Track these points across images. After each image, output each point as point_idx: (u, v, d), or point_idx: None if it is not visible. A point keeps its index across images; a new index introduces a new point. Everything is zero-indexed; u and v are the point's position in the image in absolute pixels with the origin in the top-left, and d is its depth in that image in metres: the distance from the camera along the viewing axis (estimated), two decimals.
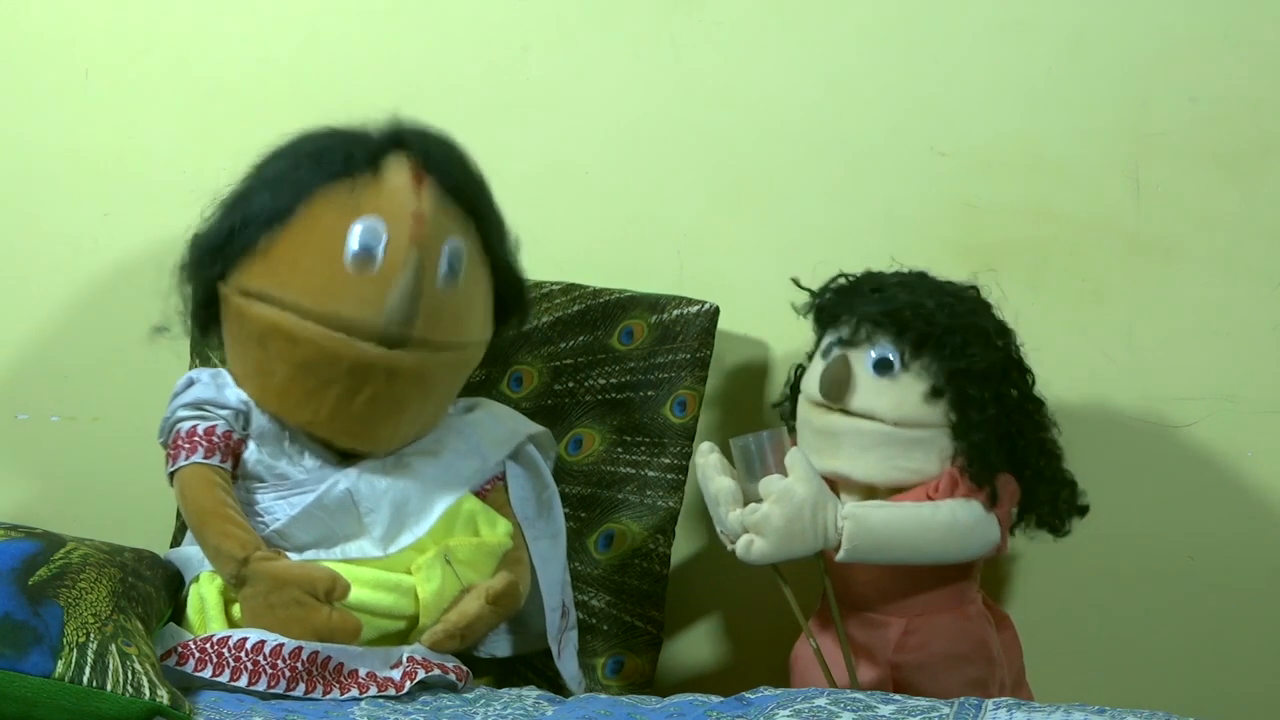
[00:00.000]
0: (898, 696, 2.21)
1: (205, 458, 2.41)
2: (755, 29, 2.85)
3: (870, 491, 2.53)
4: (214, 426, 2.42)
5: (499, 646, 2.54)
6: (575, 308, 2.75)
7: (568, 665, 2.55)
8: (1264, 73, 2.75)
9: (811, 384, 2.58)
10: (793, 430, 2.59)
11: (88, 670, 2.10)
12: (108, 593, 2.21)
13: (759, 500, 2.44)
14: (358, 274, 2.37)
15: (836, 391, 2.52)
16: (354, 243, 2.37)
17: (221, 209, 2.46)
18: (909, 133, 2.82)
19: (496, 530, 2.51)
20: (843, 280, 2.60)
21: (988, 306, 2.57)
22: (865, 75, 2.82)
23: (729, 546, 2.51)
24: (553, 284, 2.77)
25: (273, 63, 2.91)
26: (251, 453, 2.43)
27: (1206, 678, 2.78)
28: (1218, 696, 2.75)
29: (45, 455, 2.96)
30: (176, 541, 2.62)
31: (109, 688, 2.10)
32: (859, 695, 2.20)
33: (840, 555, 2.44)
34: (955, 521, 2.47)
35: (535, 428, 2.61)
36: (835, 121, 2.83)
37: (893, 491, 2.52)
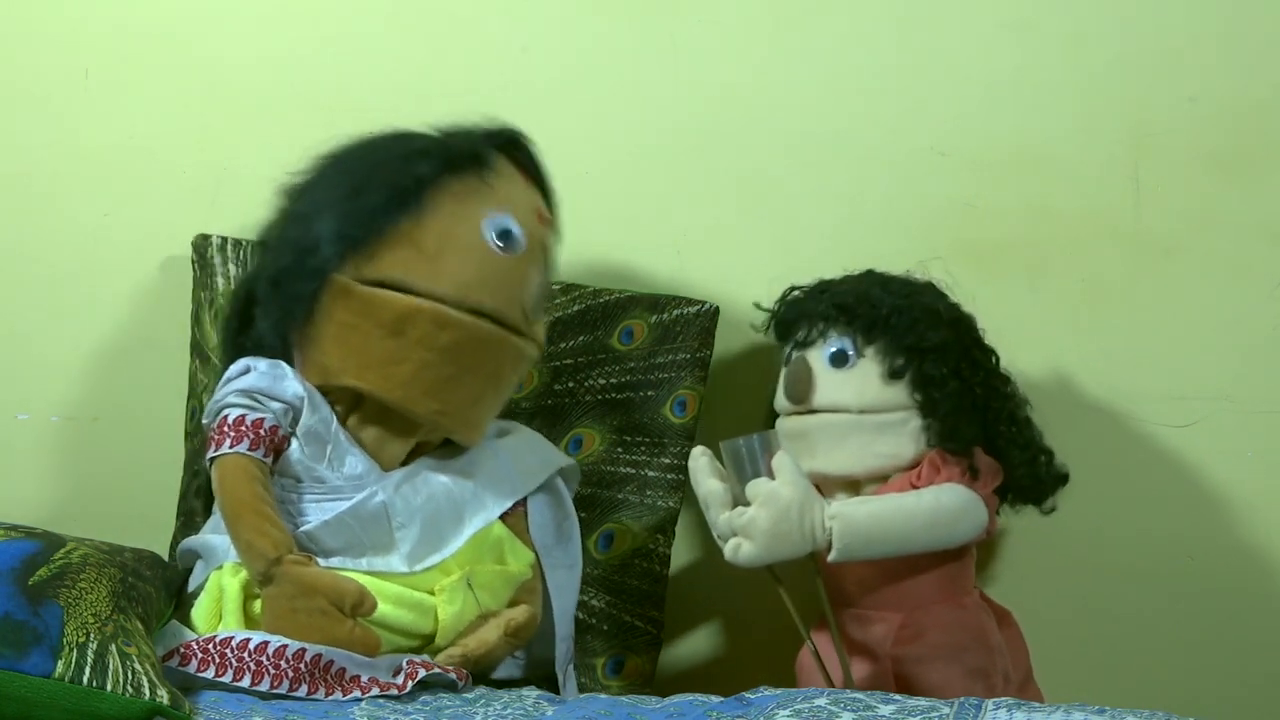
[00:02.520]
0: (898, 696, 2.21)
1: (250, 449, 2.39)
2: (755, 29, 2.85)
3: (853, 485, 2.55)
4: (262, 419, 2.40)
5: (502, 670, 2.52)
6: (575, 308, 2.76)
7: (569, 694, 2.55)
8: (1264, 73, 2.75)
9: (778, 393, 2.60)
10: None
11: (88, 670, 2.10)
12: (108, 593, 2.21)
13: (748, 503, 2.45)
14: (501, 265, 2.42)
15: (799, 392, 2.56)
16: (500, 236, 2.43)
17: (315, 203, 2.43)
18: (909, 133, 2.82)
19: (521, 560, 2.50)
20: (796, 292, 2.64)
21: (939, 292, 2.61)
22: (865, 75, 2.83)
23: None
24: (553, 284, 2.77)
25: (273, 63, 2.91)
26: (294, 451, 2.42)
27: (1206, 678, 2.78)
28: (1218, 696, 2.75)
29: (45, 455, 2.96)
30: (178, 539, 2.62)
31: (109, 688, 2.10)
32: (859, 695, 2.20)
33: (832, 556, 2.45)
34: (940, 507, 2.49)
35: (565, 459, 2.61)
36: (835, 121, 2.83)
37: (874, 482, 2.54)
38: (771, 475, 2.45)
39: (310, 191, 2.46)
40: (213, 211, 2.77)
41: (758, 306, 2.67)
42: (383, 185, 2.41)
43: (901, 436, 2.55)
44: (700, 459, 2.54)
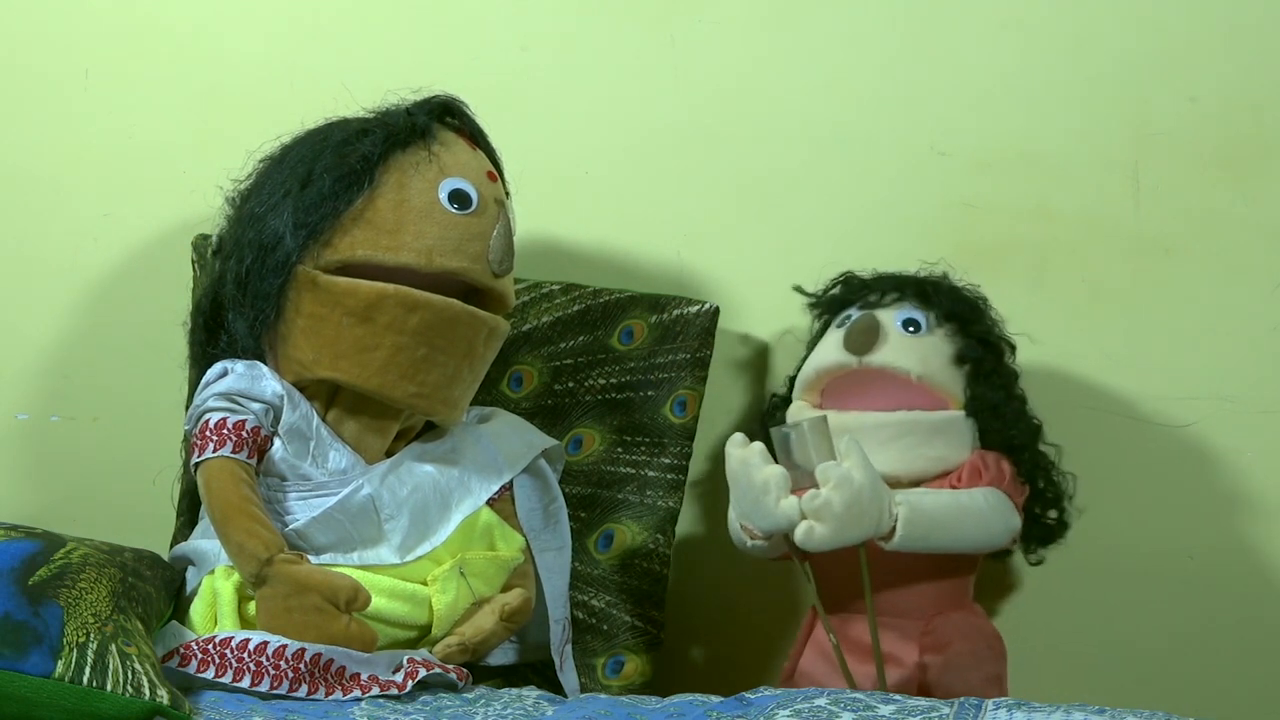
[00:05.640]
0: (898, 696, 2.21)
1: (234, 452, 2.40)
2: (755, 29, 2.85)
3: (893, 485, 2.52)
4: (244, 421, 2.41)
5: (499, 656, 2.54)
6: (575, 308, 2.75)
7: (569, 678, 2.56)
8: (1264, 73, 2.75)
9: (825, 352, 2.58)
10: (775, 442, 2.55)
11: (88, 670, 2.10)
12: (108, 593, 2.21)
13: (803, 488, 2.43)
14: (460, 224, 2.43)
15: (864, 342, 2.55)
16: (454, 198, 2.44)
17: (268, 201, 2.44)
18: (909, 133, 2.82)
19: (511, 545, 2.51)
20: (852, 275, 2.65)
21: None
22: (865, 75, 2.83)
23: (748, 543, 2.51)
24: (553, 284, 2.77)
25: (272, 63, 2.91)
26: (277, 450, 2.43)
27: (1206, 678, 2.78)
28: (1218, 696, 2.75)
29: (45, 455, 2.96)
30: (177, 540, 2.62)
31: (109, 688, 2.10)
32: (859, 695, 2.20)
33: (893, 543, 2.44)
34: (988, 507, 2.50)
35: (549, 441, 2.62)
36: (835, 121, 2.83)
37: (914, 483, 2.53)
38: (828, 459, 2.43)
39: (259, 192, 2.47)
40: (212, 211, 2.76)
41: (799, 290, 2.67)
42: (331, 170, 2.43)
43: (951, 439, 2.54)
44: (752, 445, 2.49)
